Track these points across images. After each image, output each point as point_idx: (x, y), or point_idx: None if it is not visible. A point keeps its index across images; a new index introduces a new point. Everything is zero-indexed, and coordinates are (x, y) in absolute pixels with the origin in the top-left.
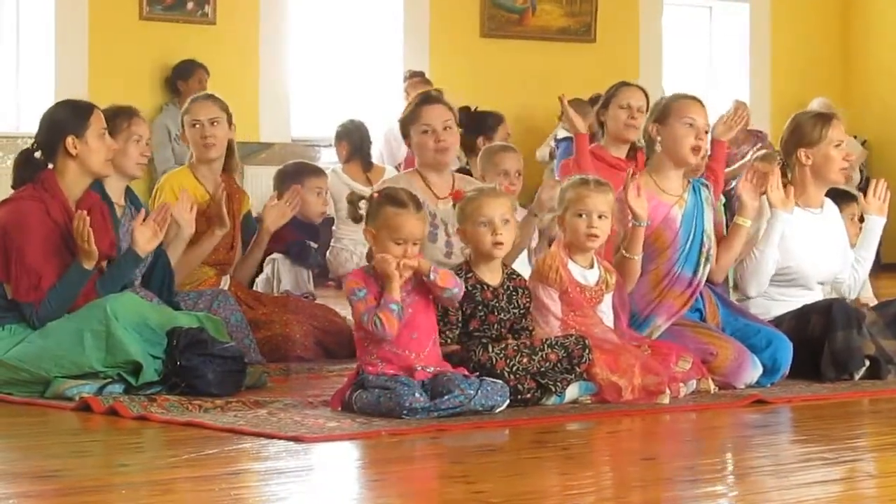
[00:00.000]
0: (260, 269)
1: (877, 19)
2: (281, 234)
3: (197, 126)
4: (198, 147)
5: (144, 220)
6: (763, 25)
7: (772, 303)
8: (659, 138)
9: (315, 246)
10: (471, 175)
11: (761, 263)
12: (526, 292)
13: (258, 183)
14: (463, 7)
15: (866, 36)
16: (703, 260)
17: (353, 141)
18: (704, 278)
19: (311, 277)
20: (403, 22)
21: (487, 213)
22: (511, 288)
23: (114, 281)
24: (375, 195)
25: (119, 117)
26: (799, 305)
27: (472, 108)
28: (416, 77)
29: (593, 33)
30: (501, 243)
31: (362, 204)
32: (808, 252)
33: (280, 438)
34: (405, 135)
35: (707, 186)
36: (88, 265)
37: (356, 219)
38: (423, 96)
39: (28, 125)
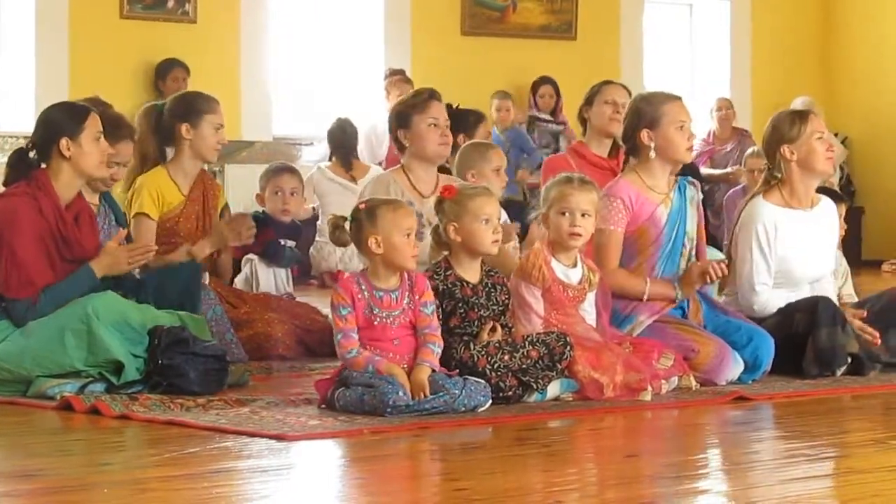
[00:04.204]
0: (239, 268)
1: (857, 16)
2: (260, 235)
3: (220, 131)
4: (211, 150)
5: (122, 244)
6: (744, 23)
7: None
8: (652, 144)
9: (292, 244)
10: (449, 173)
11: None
12: (505, 289)
13: (240, 181)
14: (444, 5)
15: (847, 33)
16: (683, 261)
17: (334, 140)
18: None
19: (290, 278)
20: (384, 20)
21: (489, 210)
22: (490, 285)
23: (62, 295)
24: (362, 205)
25: (110, 137)
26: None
27: (454, 106)
28: (396, 75)
29: (574, 31)
30: (498, 241)
31: (346, 224)
32: (796, 255)
33: (262, 437)
34: (404, 124)
35: (694, 185)
36: (100, 273)
37: (343, 243)
38: (431, 91)
39: (8, 125)
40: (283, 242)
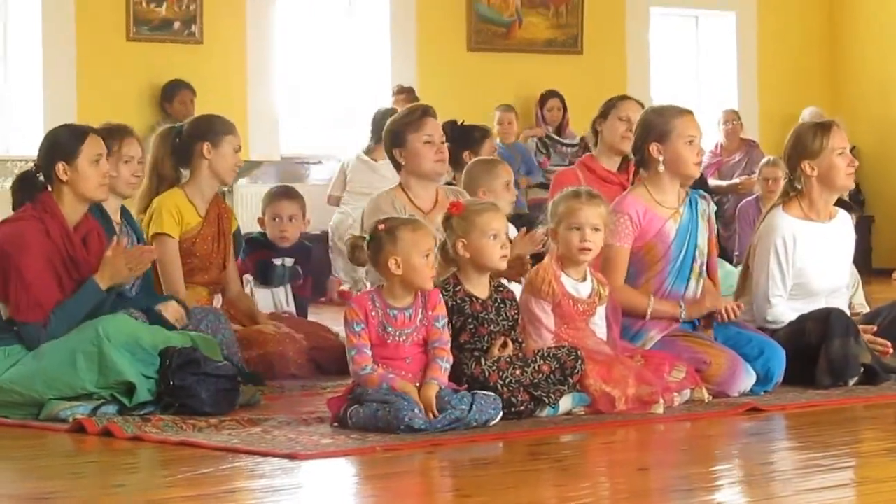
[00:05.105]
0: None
1: (864, 26)
2: (252, 256)
3: (238, 153)
4: (229, 171)
5: (118, 250)
6: (750, 33)
7: None
8: (661, 158)
9: (290, 262)
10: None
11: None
12: (514, 304)
13: (247, 201)
14: (449, 21)
15: (854, 42)
16: (693, 276)
17: (372, 123)
18: (698, 295)
19: (289, 297)
20: (390, 37)
21: (496, 226)
22: (499, 300)
23: (71, 312)
24: (381, 225)
25: (111, 138)
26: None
27: (460, 122)
28: (402, 94)
29: (580, 45)
30: (507, 255)
31: (365, 244)
32: (814, 267)
33: (274, 456)
34: (399, 143)
35: (705, 199)
36: (105, 285)
37: (362, 262)
38: (425, 108)
39: (18, 148)
40: (279, 262)
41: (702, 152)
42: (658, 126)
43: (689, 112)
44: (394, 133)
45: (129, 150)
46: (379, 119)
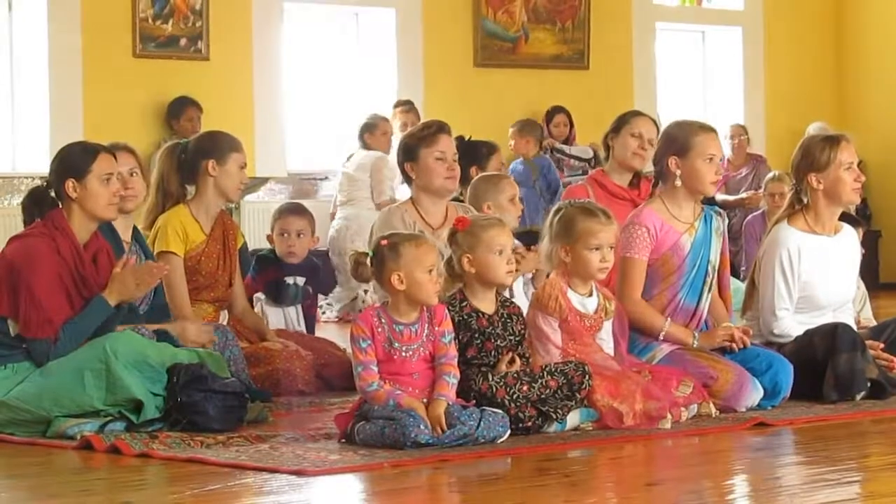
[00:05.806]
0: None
1: (871, 41)
2: (263, 274)
3: (243, 170)
4: (234, 189)
5: (126, 266)
6: (756, 48)
7: None
8: (679, 172)
9: (301, 281)
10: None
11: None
12: (520, 319)
13: (255, 217)
14: (456, 37)
15: (860, 57)
16: (706, 290)
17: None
18: (707, 309)
19: (300, 316)
20: (397, 53)
21: (502, 241)
22: (506, 315)
23: (80, 329)
24: (384, 241)
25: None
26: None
27: (467, 138)
28: (402, 106)
29: (586, 60)
30: (513, 271)
31: (368, 260)
32: (819, 280)
33: (282, 472)
34: (411, 157)
35: (720, 215)
36: (113, 301)
37: (365, 279)
38: (440, 124)
39: (25, 165)
40: (291, 281)
41: (720, 171)
42: (679, 140)
43: (712, 130)
44: (407, 147)
45: (127, 164)
46: (362, 126)
